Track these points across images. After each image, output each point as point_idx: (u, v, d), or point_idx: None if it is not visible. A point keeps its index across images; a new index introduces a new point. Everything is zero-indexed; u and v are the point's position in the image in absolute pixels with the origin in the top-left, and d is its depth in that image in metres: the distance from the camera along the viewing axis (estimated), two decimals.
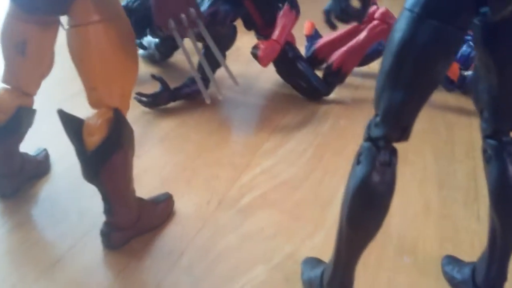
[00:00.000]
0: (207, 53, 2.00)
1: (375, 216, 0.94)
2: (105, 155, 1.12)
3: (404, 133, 0.91)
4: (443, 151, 1.81)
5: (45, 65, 1.26)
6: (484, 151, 1.03)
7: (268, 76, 2.32)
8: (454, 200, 1.53)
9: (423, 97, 0.87)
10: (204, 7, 1.79)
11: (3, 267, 1.20)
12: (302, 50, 2.27)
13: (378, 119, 0.91)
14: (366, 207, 0.93)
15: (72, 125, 1.12)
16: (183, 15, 1.01)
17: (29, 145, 1.48)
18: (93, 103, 1.14)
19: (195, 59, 1.17)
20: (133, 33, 1.16)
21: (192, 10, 1.02)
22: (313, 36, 2.42)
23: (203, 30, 1.07)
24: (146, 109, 2.00)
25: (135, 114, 1.97)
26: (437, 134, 1.93)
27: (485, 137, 1.02)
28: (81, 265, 1.21)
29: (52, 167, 1.58)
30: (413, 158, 1.73)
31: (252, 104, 2.14)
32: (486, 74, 0.95)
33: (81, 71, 1.11)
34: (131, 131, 1.18)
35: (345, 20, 0.91)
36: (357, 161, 0.94)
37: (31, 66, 1.23)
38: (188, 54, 1.10)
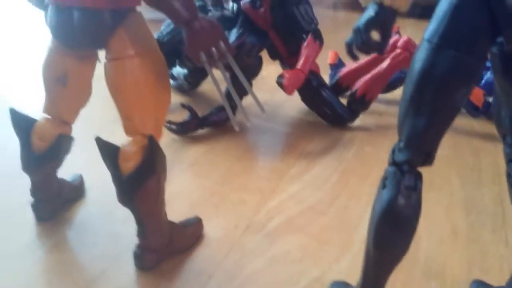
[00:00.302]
0: (234, 82, 2.09)
1: (402, 239, 0.96)
2: (140, 180, 1.17)
3: (428, 158, 0.94)
4: (470, 177, 1.81)
5: (84, 95, 1.34)
6: (508, 176, 1.04)
7: (293, 104, 2.38)
8: (481, 225, 1.53)
9: (444, 124, 0.90)
10: (231, 39, 1.87)
11: (41, 287, 1.25)
12: (326, 79, 2.33)
13: (401, 144, 0.95)
14: (392, 230, 0.95)
15: (109, 151, 1.19)
16: (213, 49, 1.08)
17: (66, 171, 1.55)
18: (129, 131, 1.20)
19: (222, 87, 1.24)
20: (166, 65, 1.23)
21: (221, 44, 1.09)
22: (337, 64, 2.48)
23: (232, 61, 1.13)
24: (176, 137, 2.07)
25: (165, 141, 2.04)
26: (463, 160, 1.93)
27: (509, 161, 1.04)
28: (115, 286, 1.26)
29: (87, 192, 1.65)
30: (439, 184, 1.74)
31: (278, 131, 2.19)
32: (506, 100, 0.97)
33: (118, 101, 1.18)
34: (164, 157, 1.23)
35: (366, 52, 0.96)
36: (383, 185, 0.97)
37: (72, 97, 1.31)
38: (217, 83, 1.17)
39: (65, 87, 1.27)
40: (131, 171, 1.17)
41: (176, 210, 1.52)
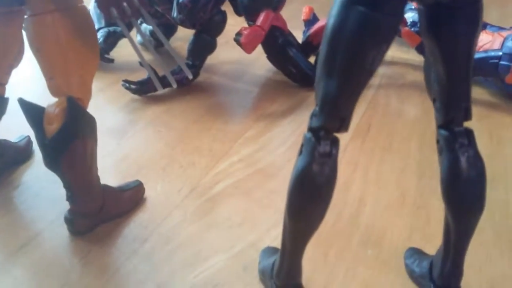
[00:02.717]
0: (199, 38, 2.01)
1: (314, 208, 0.92)
2: (63, 144, 1.13)
3: (342, 124, 0.89)
4: (430, 139, 1.75)
5: (12, 55, 1.28)
6: (437, 142, 1.00)
7: (263, 63, 2.29)
8: (431, 190, 1.48)
9: (357, 87, 0.84)
10: None
11: None
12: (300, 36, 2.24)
13: (317, 109, 0.90)
14: (304, 199, 0.91)
15: (33, 113, 1.14)
16: (125, 4, 1.01)
17: (14, 133, 1.52)
18: (53, 92, 1.15)
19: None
20: (93, 22, 1.16)
21: None
22: (311, 21, 2.37)
23: (147, 17, 1.07)
24: (136, 96, 2.01)
25: (124, 101, 2.00)
26: (427, 121, 1.86)
27: (438, 127, 0.98)
28: (47, 249, 1.24)
29: (35, 153, 1.62)
30: (398, 146, 1.69)
31: (243, 91, 2.12)
32: (434, 62, 0.91)
33: (39, 61, 1.13)
34: (91, 120, 1.18)
35: None
36: (300, 151, 0.93)
37: None
38: (133, 42, 1.13)
39: None
40: (54, 134, 1.12)
41: (122, 172, 1.51)
